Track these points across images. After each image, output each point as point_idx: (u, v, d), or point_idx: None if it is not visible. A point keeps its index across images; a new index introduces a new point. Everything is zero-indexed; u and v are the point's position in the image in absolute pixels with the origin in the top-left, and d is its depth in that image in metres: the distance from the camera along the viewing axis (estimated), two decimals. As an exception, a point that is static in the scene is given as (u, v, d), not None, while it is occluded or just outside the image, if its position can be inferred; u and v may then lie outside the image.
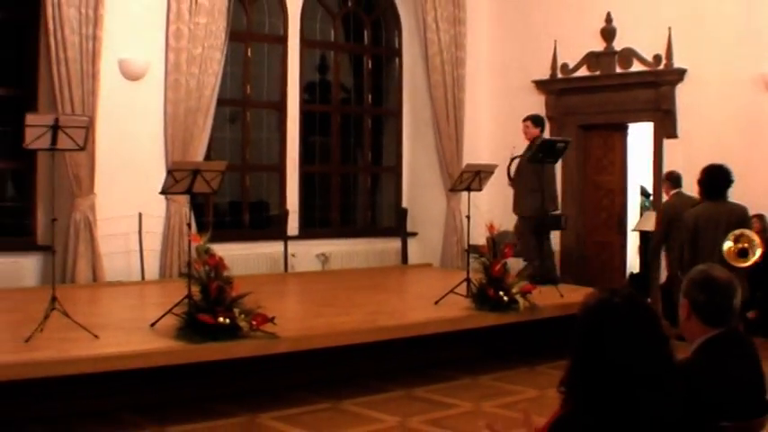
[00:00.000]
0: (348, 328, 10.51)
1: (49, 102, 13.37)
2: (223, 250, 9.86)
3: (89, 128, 10.30)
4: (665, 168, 15.03)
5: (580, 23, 16.32)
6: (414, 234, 17.64)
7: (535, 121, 14.02)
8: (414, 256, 17.41)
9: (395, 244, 17.33)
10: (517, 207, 14.06)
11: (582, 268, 16.11)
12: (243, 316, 9.24)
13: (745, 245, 10.57)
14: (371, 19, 18.27)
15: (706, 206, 11.19)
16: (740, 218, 10.95)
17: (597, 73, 16.29)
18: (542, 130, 14.28)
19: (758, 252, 10.53)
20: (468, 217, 12.62)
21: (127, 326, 10.11)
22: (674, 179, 13.58)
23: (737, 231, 10.65)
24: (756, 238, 10.68)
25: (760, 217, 13.66)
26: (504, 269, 11.55)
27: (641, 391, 3.54)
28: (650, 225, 15.19)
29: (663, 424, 3.60)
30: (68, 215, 13.22)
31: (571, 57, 16.59)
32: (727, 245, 10.55)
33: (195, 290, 9.25)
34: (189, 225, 11.47)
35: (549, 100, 16.95)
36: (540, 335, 11.52)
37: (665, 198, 13.83)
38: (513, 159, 13.94)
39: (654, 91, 15.43)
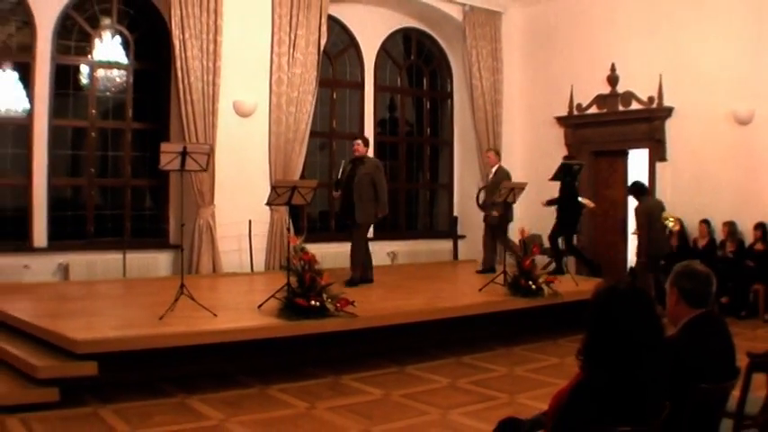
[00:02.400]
0: (411, 309, 10.49)
1: (179, 133, 13.47)
2: (315, 249, 9.85)
3: (210, 154, 10.37)
4: (658, 185, 15.34)
5: (591, 72, 16.31)
6: (463, 236, 17.51)
7: (365, 142, 13.00)
8: (463, 253, 17.29)
9: (448, 244, 17.23)
10: (356, 215, 12.47)
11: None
12: (330, 300, 9.27)
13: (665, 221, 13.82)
14: (429, 69, 18.26)
15: (649, 201, 13.88)
16: (662, 207, 13.94)
17: (604, 110, 16.27)
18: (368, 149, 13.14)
19: (671, 223, 13.92)
20: (506, 223, 12.58)
21: (239, 307, 10.17)
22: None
23: (665, 214, 13.80)
24: (671, 217, 13.92)
25: (730, 223, 13.69)
26: (532, 264, 11.55)
27: (643, 355, 3.65)
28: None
29: (659, 382, 3.73)
30: (194, 221, 13.29)
31: (584, 98, 16.55)
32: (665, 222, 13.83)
33: (293, 279, 9.29)
34: (288, 229, 11.46)
35: (568, 132, 16.90)
36: (561, 315, 11.38)
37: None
38: (343, 169, 12.99)
39: (648, 124, 15.46)
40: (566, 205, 13.91)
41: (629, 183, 14.61)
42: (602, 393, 3.58)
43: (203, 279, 12.80)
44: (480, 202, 14.77)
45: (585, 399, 3.60)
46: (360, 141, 12.78)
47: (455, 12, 17.09)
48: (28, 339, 8.52)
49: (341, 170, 12.71)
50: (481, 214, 14.54)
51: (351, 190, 12.39)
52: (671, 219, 14.00)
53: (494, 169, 14.26)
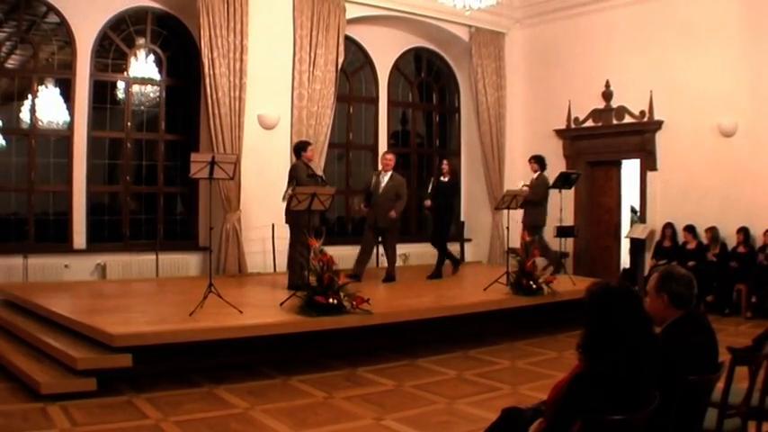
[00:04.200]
0: (422, 307, 10.52)
1: (208, 144, 13.52)
2: (333, 251, 9.84)
3: (236, 163, 10.37)
4: (649, 192, 15.40)
5: (587, 88, 16.27)
6: (469, 240, 17.53)
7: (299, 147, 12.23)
8: (469, 255, 17.29)
9: (455, 247, 17.10)
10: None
11: (589, 265, 15.95)
12: (346, 298, 9.30)
13: None
14: (438, 86, 18.24)
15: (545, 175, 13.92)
16: None
17: (600, 124, 16.21)
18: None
19: None
20: (508, 228, 12.56)
21: (263, 304, 10.18)
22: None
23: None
24: None
25: (711, 229, 13.70)
26: (533, 265, 11.55)
27: (637, 346, 3.72)
28: (638, 233, 15.22)
29: (651, 372, 3.78)
30: (221, 225, 13.32)
31: (581, 112, 16.50)
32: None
33: (312, 279, 9.29)
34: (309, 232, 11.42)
35: (566, 144, 16.86)
36: (559, 312, 11.36)
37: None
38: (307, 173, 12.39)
39: (640, 137, 15.44)
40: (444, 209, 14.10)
41: (535, 155, 14.35)
42: (600, 383, 3.60)
43: (230, 279, 12.83)
44: (364, 205, 13.51)
45: (584, 388, 3.62)
46: (309, 146, 12.21)
47: (462, 33, 17.10)
48: (68, 333, 8.57)
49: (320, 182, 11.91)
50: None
51: None
52: None
53: (389, 174, 13.21)
